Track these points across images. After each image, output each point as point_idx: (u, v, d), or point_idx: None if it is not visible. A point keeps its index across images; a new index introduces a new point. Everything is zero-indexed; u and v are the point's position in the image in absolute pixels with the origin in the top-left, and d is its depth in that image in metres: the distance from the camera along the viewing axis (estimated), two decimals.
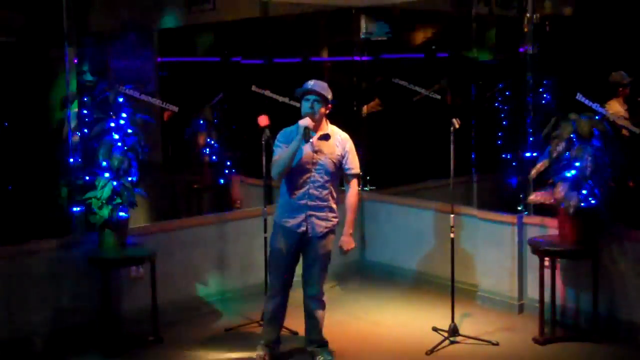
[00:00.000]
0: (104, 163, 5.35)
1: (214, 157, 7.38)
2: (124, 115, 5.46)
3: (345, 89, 7.52)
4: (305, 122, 4.85)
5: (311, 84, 4.96)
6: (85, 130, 5.53)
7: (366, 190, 7.53)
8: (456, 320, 5.59)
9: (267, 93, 6.77)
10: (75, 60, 5.55)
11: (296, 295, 5.18)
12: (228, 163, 7.43)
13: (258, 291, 6.07)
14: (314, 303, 5.08)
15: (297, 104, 5.08)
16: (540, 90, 6.28)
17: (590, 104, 5.63)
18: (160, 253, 5.74)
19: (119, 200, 5.37)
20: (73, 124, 5.55)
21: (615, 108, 6.05)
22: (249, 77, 6.99)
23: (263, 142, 5.61)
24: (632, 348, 5.43)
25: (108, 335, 5.41)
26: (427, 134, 7.57)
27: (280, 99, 6.79)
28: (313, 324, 5.12)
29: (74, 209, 5.56)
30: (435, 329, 5.67)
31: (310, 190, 4.95)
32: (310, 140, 4.87)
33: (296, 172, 4.94)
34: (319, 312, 5.10)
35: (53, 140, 5.75)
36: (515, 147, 6.31)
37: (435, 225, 6.78)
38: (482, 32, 6.55)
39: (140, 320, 5.67)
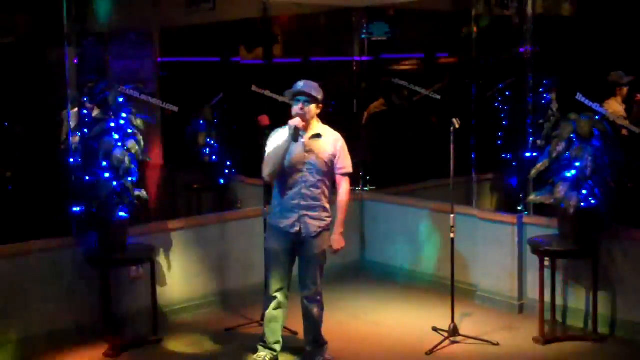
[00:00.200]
0: (104, 163, 5.35)
1: (214, 157, 7.37)
2: (123, 115, 5.46)
3: (346, 89, 7.52)
4: (295, 122, 4.86)
5: (301, 84, 4.96)
6: (85, 130, 5.53)
7: (366, 190, 7.53)
8: (456, 320, 5.59)
9: (267, 93, 6.77)
10: (75, 60, 5.55)
11: (297, 295, 5.18)
12: (228, 163, 7.42)
13: (258, 291, 6.06)
14: (310, 303, 5.06)
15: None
16: (540, 90, 6.28)
17: (590, 104, 5.63)
18: (160, 253, 5.73)
19: (119, 200, 5.37)
20: (73, 124, 5.55)
21: (614, 108, 6.05)
22: (249, 77, 6.99)
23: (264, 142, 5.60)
24: (632, 348, 5.43)
25: (108, 335, 5.41)
26: (427, 134, 7.57)
27: (280, 99, 6.78)
28: (311, 324, 5.11)
29: (74, 209, 5.56)
30: (435, 329, 5.67)
31: (303, 190, 4.94)
32: (301, 140, 4.88)
33: (288, 172, 4.94)
34: (316, 312, 5.08)
35: (53, 140, 5.75)
36: (515, 147, 6.30)
37: (435, 225, 6.78)
38: (482, 32, 6.54)
39: (140, 320, 5.67)
